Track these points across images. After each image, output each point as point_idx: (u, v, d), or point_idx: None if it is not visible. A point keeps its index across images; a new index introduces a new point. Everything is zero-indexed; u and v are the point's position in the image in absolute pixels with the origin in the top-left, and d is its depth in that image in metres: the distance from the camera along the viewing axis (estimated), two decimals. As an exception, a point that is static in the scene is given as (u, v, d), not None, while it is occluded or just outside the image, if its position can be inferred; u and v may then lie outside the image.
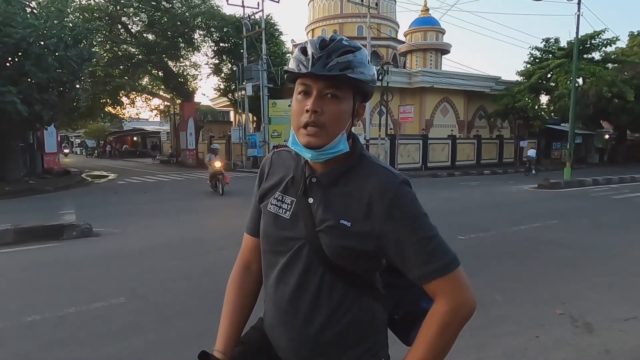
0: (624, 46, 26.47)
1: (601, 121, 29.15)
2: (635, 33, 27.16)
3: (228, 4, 21.67)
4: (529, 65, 24.87)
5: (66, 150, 38.39)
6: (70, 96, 14.29)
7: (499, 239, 6.41)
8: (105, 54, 22.40)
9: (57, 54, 12.61)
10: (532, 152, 19.86)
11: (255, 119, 24.50)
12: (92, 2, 21.75)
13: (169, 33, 22.29)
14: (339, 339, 1.00)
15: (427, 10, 33.43)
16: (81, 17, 19.78)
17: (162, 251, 5.67)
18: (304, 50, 0.95)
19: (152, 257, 5.41)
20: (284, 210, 1.03)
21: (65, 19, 14.86)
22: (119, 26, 23.01)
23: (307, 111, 0.93)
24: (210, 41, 24.38)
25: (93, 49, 16.64)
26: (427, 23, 33.37)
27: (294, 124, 0.97)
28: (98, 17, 21.08)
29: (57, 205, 9.96)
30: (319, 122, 0.93)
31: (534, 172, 18.95)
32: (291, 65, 0.95)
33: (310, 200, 1.00)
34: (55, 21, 13.27)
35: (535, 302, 3.88)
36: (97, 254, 5.59)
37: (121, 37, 23.26)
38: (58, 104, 13.52)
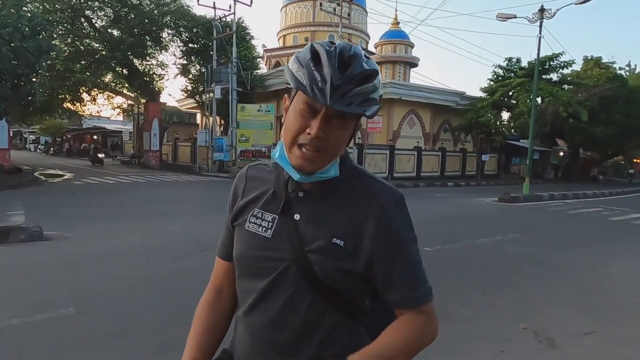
0: (579, 69, 28.02)
1: (557, 139, 30.68)
2: (589, 57, 28.83)
3: (199, 4, 21.32)
4: (492, 83, 25.81)
5: (103, 156, 25.69)
6: (25, 90, 13.49)
7: (463, 251, 6.50)
8: (66, 48, 21.35)
9: (12, 44, 11.90)
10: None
11: (222, 122, 24.08)
12: (54, -7, 20.77)
13: (135, 30, 21.59)
14: None
15: (398, 23, 34.18)
16: (41, 7, 18.84)
17: (119, 258, 5.35)
18: (316, 60, 0.82)
19: (107, 264, 5.09)
20: (263, 229, 0.92)
21: (24, 8, 14.09)
22: (82, 19, 22.04)
23: (309, 134, 0.83)
24: (178, 41, 23.83)
25: (53, 42, 15.83)
26: (397, 36, 34.09)
27: (289, 138, 0.87)
28: (60, 9, 20.12)
29: (4, 205, 9.30)
30: (319, 146, 0.84)
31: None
32: (302, 79, 0.82)
33: (297, 216, 0.91)
34: (11, 10, 12.55)
35: (500, 317, 3.92)
36: (46, 260, 5.20)
37: (84, 31, 22.29)
38: (11, 98, 12.72)
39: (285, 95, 0.93)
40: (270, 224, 0.92)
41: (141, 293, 4.13)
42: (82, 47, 22.29)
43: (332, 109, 0.81)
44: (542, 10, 15.89)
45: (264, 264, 0.91)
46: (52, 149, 40.56)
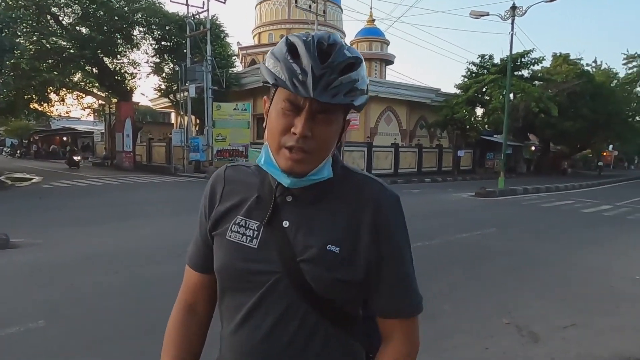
0: (549, 65, 28.83)
1: (528, 134, 31.51)
2: (558, 54, 29.72)
3: (171, 1, 20.85)
4: (466, 79, 26.21)
5: (79, 159, 24.75)
6: (-13, 90, 12.90)
7: (443, 247, 6.55)
8: (31, 46, 20.46)
9: (-28, 42, 11.33)
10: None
11: (198, 121, 23.64)
12: (17, -11, 19.87)
13: (105, 27, 20.88)
14: None
15: (373, 21, 34.35)
16: (3, 3, 18.00)
17: (91, 264, 5.14)
18: (293, 52, 0.75)
19: (79, 271, 4.88)
20: (248, 238, 0.84)
21: (-16, 5, 13.42)
22: (48, 17, 21.17)
23: (294, 134, 0.76)
24: (151, 39, 23.19)
25: (17, 40, 15.17)
26: (372, 33, 34.28)
27: (274, 142, 0.79)
28: (24, 5, 19.23)
29: (-32, 211, 8.85)
30: (307, 147, 0.77)
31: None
32: (280, 74, 0.75)
33: (286, 223, 0.83)
34: (-29, 6, 11.93)
35: (483, 312, 3.94)
36: (13, 269, 4.94)
37: (50, 28, 21.40)
38: (-28, 98, 12.14)
39: (265, 97, 0.85)
40: (256, 232, 0.84)
41: (115, 301, 3.96)
42: (48, 45, 21.41)
43: (316, 102, 0.74)
44: (513, 8, 16.21)
45: (251, 277, 0.82)
46: (18, 152, 39.04)
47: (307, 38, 0.76)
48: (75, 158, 23.94)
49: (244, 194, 0.88)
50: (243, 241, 0.84)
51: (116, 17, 20.63)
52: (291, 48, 0.76)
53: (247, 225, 0.85)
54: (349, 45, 0.80)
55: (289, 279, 0.81)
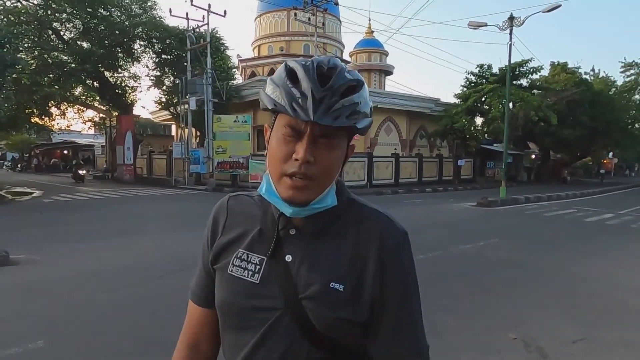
0: (547, 74, 28.97)
1: (528, 142, 31.54)
2: (556, 63, 29.89)
3: (171, 15, 21.01)
4: (465, 89, 26.33)
5: (84, 173, 24.24)
6: (-11, 105, 12.95)
7: (447, 259, 6.49)
8: (32, 61, 20.64)
9: (-26, 58, 11.40)
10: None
11: (198, 133, 23.70)
12: (19, 5, 20.08)
13: (106, 42, 21.08)
14: None
15: (372, 32, 34.64)
16: (5, 20, 18.19)
17: (91, 281, 5.09)
18: (293, 77, 0.74)
19: (79, 288, 4.83)
20: (250, 273, 0.80)
21: (-14, 21, 13.55)
22: (50, 32, 21.41)
23: (296, 160, 0.73)
24: (151, 52, 23.38)
25: (18, 55, 15.27)
26: (371, 45, 34.56)
27: (275, 170, 0.76)
28: (25, 21, 19.46)
29: (-32, 227, 8.81)
30: (309, 173, 0.74)
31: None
32: (279, 99, 0.73)
33: (289, 258, 0.79)
34: (-27, 23, 12.04)
35: (489, 326, 3.88)
36: (12, 287, 4.89)
37: (52, 43, 21.61)
38: (-26, 114, 12.17)
39: (265, 125, 0.83)
40: (258, 267, 0.80)
41: (116, 319, 3.90)
42: (50, 60, 21.58)
43: (317, 126, 0.72)
44: (511, 18, 16.34)
45: (253, 314, 0.79)
46: (19, 165, 39.12)
47: (306, 62, 0.75)
48: (80, 172, 23.78)
49: (246, 226, 0.85)
50: (244, 276, 0.81)
51: (117, 32, 20.83)
52: (290, 73, 0.74)
53: (249, 259, 0.82)
54: (350, 69, 0.78)
55: (291, 316, 0.77)
